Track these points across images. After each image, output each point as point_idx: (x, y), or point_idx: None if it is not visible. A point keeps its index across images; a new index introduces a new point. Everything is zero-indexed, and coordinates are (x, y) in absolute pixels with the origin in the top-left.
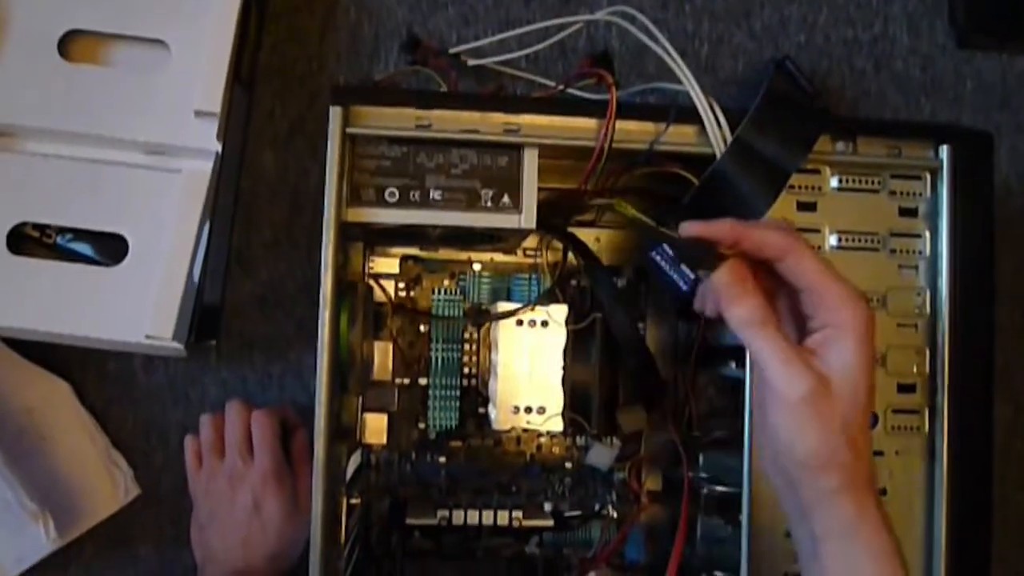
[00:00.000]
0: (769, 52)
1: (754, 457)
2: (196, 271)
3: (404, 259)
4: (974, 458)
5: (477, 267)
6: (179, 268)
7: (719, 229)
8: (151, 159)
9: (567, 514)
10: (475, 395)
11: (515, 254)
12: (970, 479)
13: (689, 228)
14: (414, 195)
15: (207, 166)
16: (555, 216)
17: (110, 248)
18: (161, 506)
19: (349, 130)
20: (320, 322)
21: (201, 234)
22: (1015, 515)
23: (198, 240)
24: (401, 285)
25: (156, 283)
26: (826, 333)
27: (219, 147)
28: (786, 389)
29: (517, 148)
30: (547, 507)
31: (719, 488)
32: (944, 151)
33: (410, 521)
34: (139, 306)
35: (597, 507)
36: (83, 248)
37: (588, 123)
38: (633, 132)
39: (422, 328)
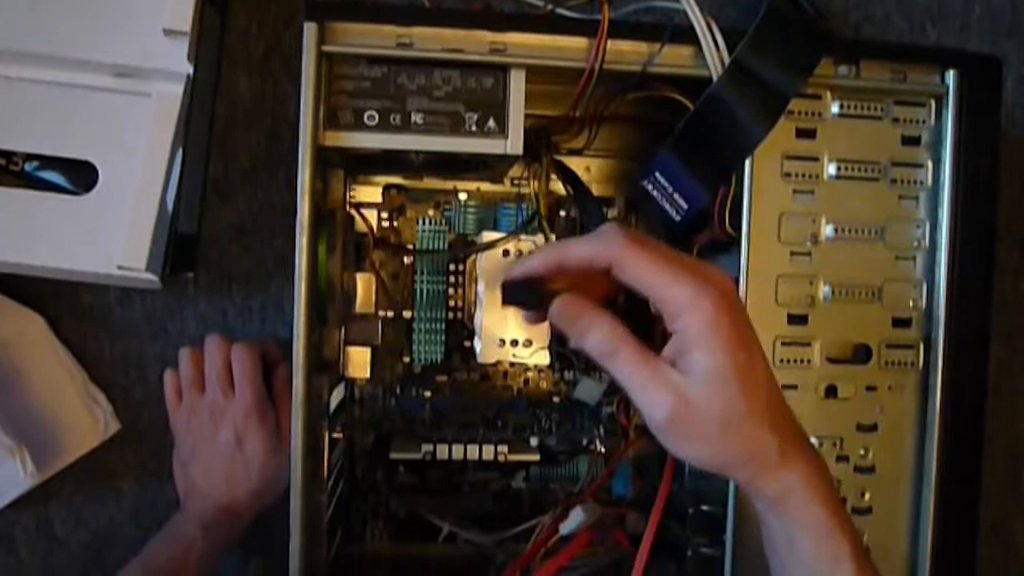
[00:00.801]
0: None
1: None
2: (170, 200)
3: (387, 188)
4: (968, 394)
5: (463, 196)
6: (151, 197)
7: (538, 262)
8: (120, 82)
9: (554, 449)
10: (461, 328)
11: (502, 183)
12: (963, 415)
13: (511, 273)
14: (395, 118)
15: (178, 89)
16: (543, 144)
17: (80, 176)
18: (142, 441)
19: (325, 48)
20: (297, 250)
21: (174, 161)
22: (1002, 453)
23: (171, 167)
24: (384, 215)
25: (128, 212)
26: (677, 340)
27: (190, 69)
28: (651, 414)
29: (503, 69)
30: (533, 442)
31: None
32: (951, 76)
33: (394, 455)
34: (111, 236)
35: (584, 442)
36: (52, 176)
37: (578, 42)
38: (626, 53)
39: (406, 260)
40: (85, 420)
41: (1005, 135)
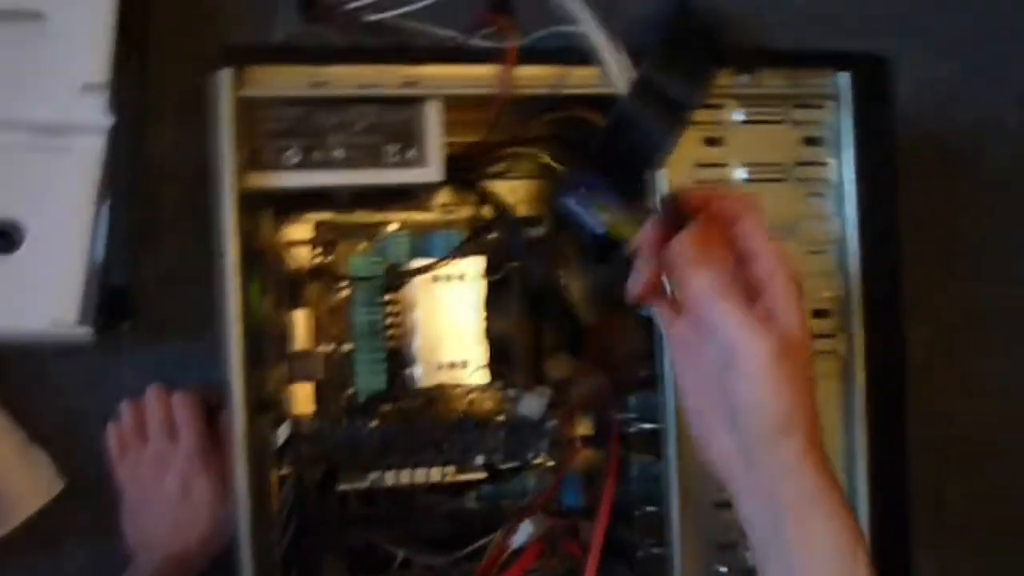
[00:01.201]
0: None
1: (677, 392)
2: (99, 252)
3: (318, 225)
4: (889, 377)
5: (393, 227)
6: (79, 250)
7: (699, 192)
8: (40, 140)
9: (500, 467)
10: (402, 357)
11: (431, 211)
12: (886, 398)
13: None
14: (316, 155)
15: (99, 142)
16: (467, 170)
17: (5, 236)
18: (88, 498)
19: (242, 93)
20: (227, 294)
21: (100, 214)
22: (938, 431)
23: (97, 220)
24: (317, 251)
25: (56, 268)
26: (775, 295)
27: (111, 121)
28: (757, 352)
29: (419, 101)
30: (479, 460)
31: (646, 425)
32: (843, 78)
33: (342, 487)
34: (41, 293)
35: (530, 456)
36: None
37: (489, 71)
38: (536, 77)
39: (342, 294)
40: (27, 481)
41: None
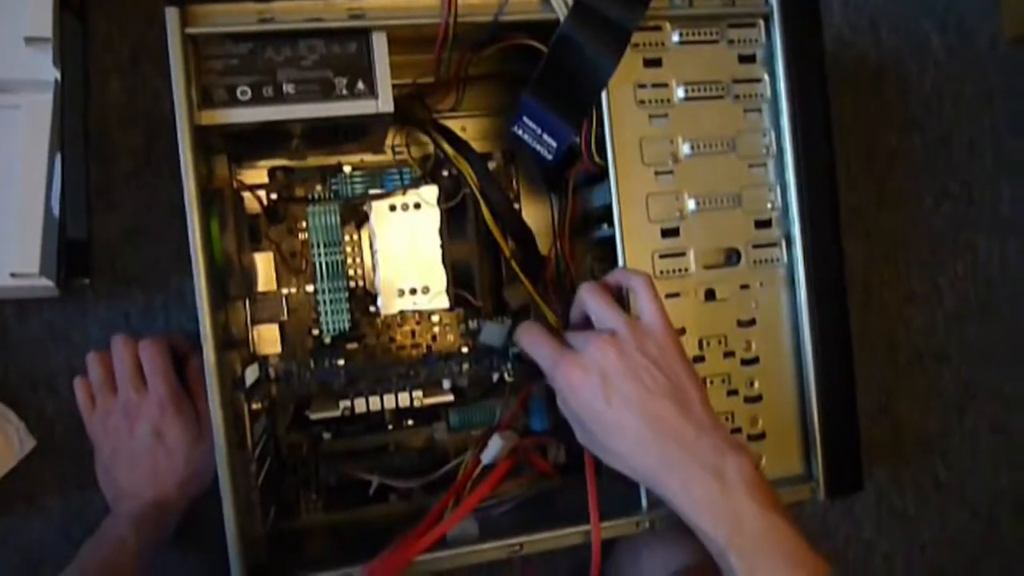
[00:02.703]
0: None
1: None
2: (55, 206)
3: (272, 171)
4: (830, 279)
5: (347, 169)
6: (35, 203)
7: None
8: None
9: (466, 389)
10: (364, 295)
11: (383, 152)
12: (828, 298)
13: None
14: (267, 91)
15: (47, 97)
16: (418, 107)
17: None
18: (60, 454)
19: (189, 30)
20: (189, 226)
21: (53, 168)
22: (877, 339)
23: (51, 174)
24: (273, 196)
25: (13, 222)
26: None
27: (57, 75)
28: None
29: (365, 32)
30: (446, 384)
31: None
32: None
33: (313, 416)
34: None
35: (495, 378)
36: None
37: (432, 0)
38: (477, 5)
39: (301, 236)
40: None
41: (839, 53)
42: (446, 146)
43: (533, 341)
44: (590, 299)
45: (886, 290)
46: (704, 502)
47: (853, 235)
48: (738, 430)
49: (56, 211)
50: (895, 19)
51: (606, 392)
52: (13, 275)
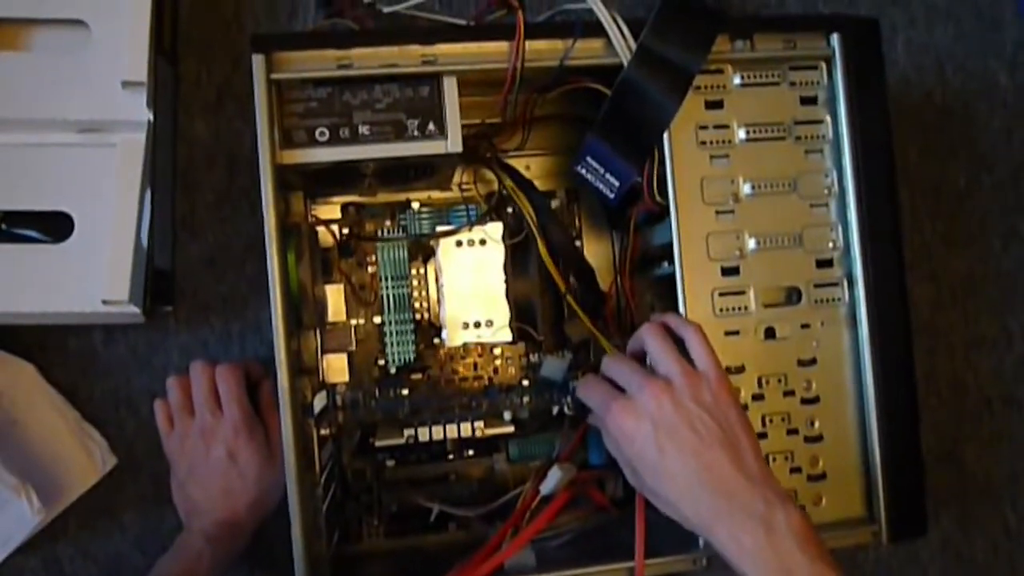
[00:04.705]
0: None
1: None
2: (144, 238)
3: (345, 206)
4: (893, 318)
5: (416, 205)
6: (126, 235)
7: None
8: (86, 137)
9: (527, 422)
10: (429, 327)
11: (450, 190)
12: (891, 338)
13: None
14: (343, 132)
15: (141, 136)
16: (485, 146)
17: (56, 227)
18: (139, 472)
19: (273, 76)
20: (268, 258)
21: (143, 202)
22: (944, 384)
23: (141, 208)
24: (345, 230)
25: (105, 252)
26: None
27: (150, 116)
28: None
29: (436, 77)
30: (507, 415)
31: None
32: (835, 39)
33: (378, 443)
34: (92, 275)
35: (555, 411)
36: (29, 231)
37: (500, 46)
38: (543, 51)
39: (371, 269)
40: (82, 458)
41: (905, 93)
42: (509, 184)
43: (587, 386)
44: (651, 341)
45: (953, 333)
46: (753, 552)
47: (919, 276)
48: (798, 470)
49: (144, 242)
50: (961, 59)
51: (659, 440)
52: (104, 302)
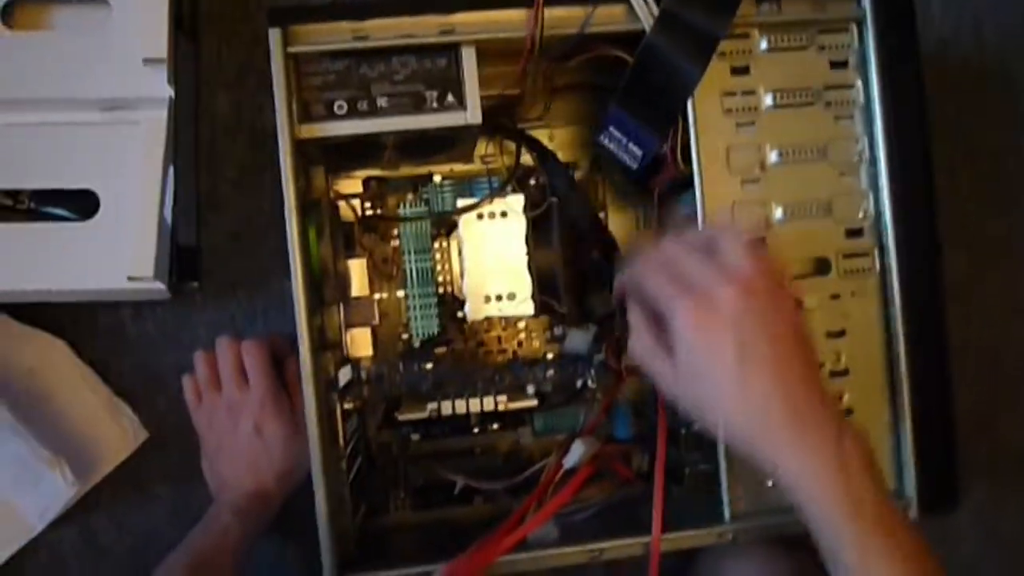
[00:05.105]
0: None
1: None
2: (168, 214)
3: (367, 180)
4: (926, 288)
5: (437, 179)
6: (150, 212)
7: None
8: (109, 115)
9: (551, 395)
10: (452, 301)
11: (472, 162)
12: (923, 310)
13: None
14: (362, 105)
15: (163, 113)
16: (507, 116)
17: (80, 204)
18: (170, 446)
19: (290, 49)
20: (288, 234)
21: (167, 179)
22: (980, 355)
23: (164, 184)
24: (367, 204)
25: (130, 229)
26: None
27: (172, 92)
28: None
29: (454, 47)
30: (531, 389)
31: None
32: (867, 0)
33: (402, 417)
34: (118, 252)
35: (579, 384)
36: (55, 209)
37: (519, 14)
38: (563, 18)
39: (393, 243)
40: (114, 432)
41: (942, 55)
42: (529, 156)
43: (647, 271)
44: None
45: (989, 301)
46: (824, 477)
47: (954, 243)
48: None
49: (169, 219)
50: (999, 17)
51: (740, 346)
52: (130, 278)
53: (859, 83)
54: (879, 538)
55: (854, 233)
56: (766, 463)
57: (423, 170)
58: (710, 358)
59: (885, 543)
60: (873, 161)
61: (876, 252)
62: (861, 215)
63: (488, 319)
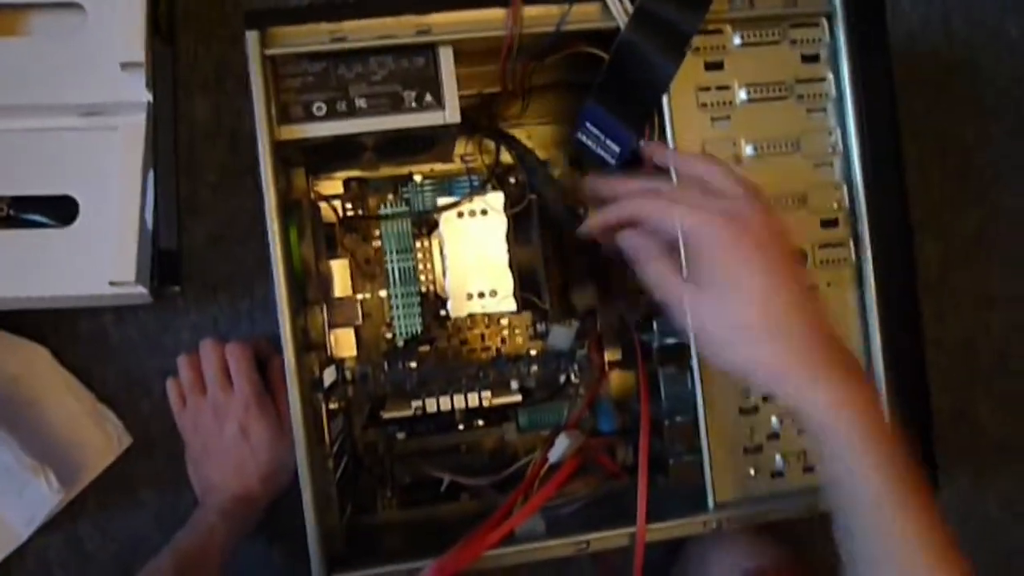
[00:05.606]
0: None
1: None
2: (148, 219)
3: (347, 181)
4: (900, 279)
5: (418, 178)
6: (130, 217)
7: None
8: (88, 120)
9: (534, 391)
10: (435, 299)
11: (452, 161)
12: (898, 298)
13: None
14: (340, 106)
15: (141, 117)
16: (485, 116)
17: (61, 210)
18: (155, 451)
19: (268, 51)
20: (269, 237)
21: (147, 183)
22: (956, 344)
23: (144, 189)
24: (348, 205)
25: (111, 234)
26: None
27: (150, 96)
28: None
29: (431, 47)
30: (514, 385)
31: (668, 340)
32: None
33: (386, 415)
34: (98, 257)
35: (562, 380)
36: (35, 216)
37: (496, 13)
38: (539, 16)
39: (375, 243)
40: (99, 438)
41: (910, 49)
42: (508, 154)
43: (655, 200)
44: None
45: (963, 292)
46: (851, 410)
47: (927, 234)
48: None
49: (149, 223)
50: (967, 10)
51: (771, 258)
52: (111, 283)
53: (831, 76)
54: (906, 471)
55: (829, 223)
56: (792, 397)
57: (403, 170)
58: (743, 276)
59: (917, 473)
60: (846, 153)
61: (851, 243)
62: (835, 206)
63: (471, 316)
